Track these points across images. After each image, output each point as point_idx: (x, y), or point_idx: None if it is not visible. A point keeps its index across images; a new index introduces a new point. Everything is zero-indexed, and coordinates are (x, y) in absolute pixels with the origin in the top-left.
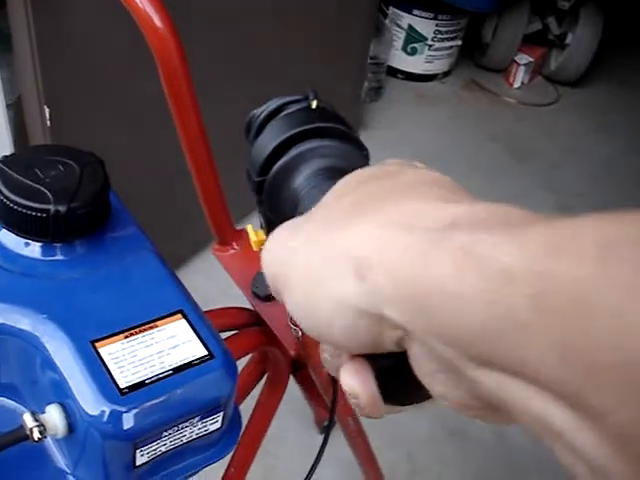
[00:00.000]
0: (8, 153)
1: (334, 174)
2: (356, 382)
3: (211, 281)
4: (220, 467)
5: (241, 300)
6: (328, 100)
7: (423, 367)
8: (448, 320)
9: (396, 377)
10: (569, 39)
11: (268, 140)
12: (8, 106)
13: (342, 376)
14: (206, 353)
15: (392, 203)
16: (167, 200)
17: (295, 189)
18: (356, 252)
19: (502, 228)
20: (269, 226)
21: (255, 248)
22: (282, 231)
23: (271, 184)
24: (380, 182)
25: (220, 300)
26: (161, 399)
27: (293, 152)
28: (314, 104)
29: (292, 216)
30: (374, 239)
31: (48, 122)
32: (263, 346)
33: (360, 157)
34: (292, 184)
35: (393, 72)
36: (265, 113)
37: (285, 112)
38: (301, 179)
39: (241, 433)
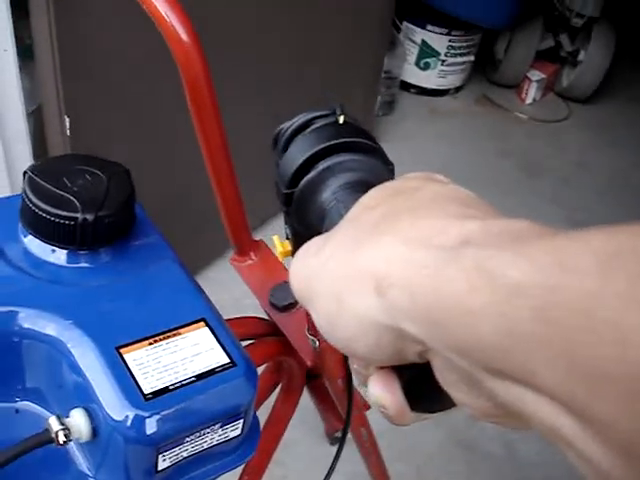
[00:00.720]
0: (28, 161)
1: (361, 188)
2: (384, 392)
3: (225, 291)
4: (233, 476)
5: (254, 310)
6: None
7: (446, 377)
8: (463, 335)
9: (422, 386)
10: (581, 56)
11: (297, 153)
12: (28, 115)
13: (370, 387)
14: (228, 361)
15: (411, 220)
16: (181, 211)
17: (323, 202)
18: (376, 269)
19: (512, 243)
20: (295, 237)
21: (281, 259)
22: (309, 247)
23: (299, 197)
24: (402, 198)
25: (234, 310)
26: (184, 405)
27: (321, 166)
28: (341, 119)
29: (319, 228)
30: (393, 256)
31: (68, 131)
32: (279, 356)
33: (386, 171)
34: (320, 197)
35: (406, 86)
36: (293, 127)
37: (313, 126)
38: (329, 192)
39: None
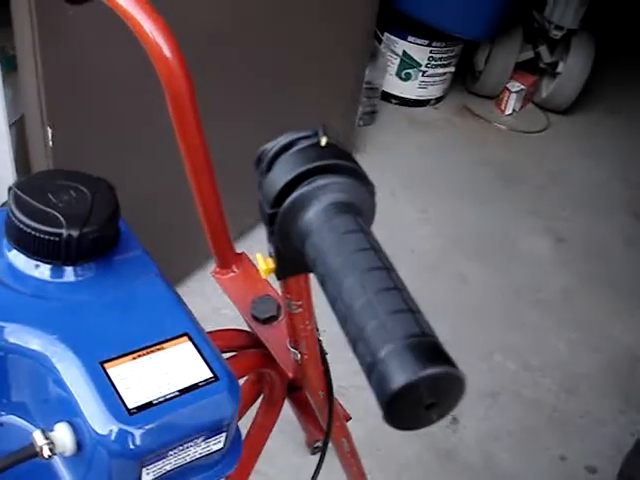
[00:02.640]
0: (9, 171)
1: (343, 209)
2: None
3: (205, 301)
4: None
5: (234, 320)
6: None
7: None
8: None
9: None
10: (560, 67)
11: (280, 174)
12: (10, 126)
13: None
14: (211, 375)
15: None
16: (163, 221)
17: (305, 222)
18: None
19: None
20: (278, 256)
21: (264, 276)
22: None
23: (282, 217)
24: None
25: (214, 319)
26: (167, 419)
27: (304, 188)
28: (323, 141)
29: (301, 248)
30: None
31: (50, 142)
32: (261, 368)
33: (367, 193)
34: (302, 218)
35: (387, 97)
36: (276, 148)
37: (296, 147)
38: (311, 213)
39: None
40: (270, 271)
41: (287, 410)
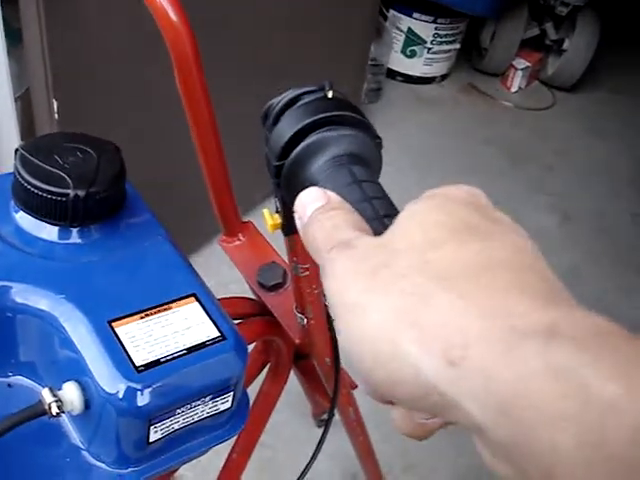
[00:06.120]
0: (15, 144)
1: (349, 160)
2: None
3: (213, 276)
4: (223, 452)
5: (242, 294)
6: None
7: (486, 457)
8: (535, 438)
9: None
10: (566, 45)
11: (287, 127)
12: (16, 99)
13: (396, 415)
14: (218, 334)
15: (487, 285)
16: (170, 196)
17: (312, 174)
18: (448, 334)
19: (610, 356)
20: (285, 210)
21: (271, 231)
22: (357, 265)
23: (289, 169)
24: (473, 242)
25: (221, 294)
26: (175, 377)
27: (310, 139)
28: (330, 94)
29: None
30: (469, 328)
31: (56, 115)
32: (267, 335)
33: (374, 145)
34: (309, 169)
35: (392, 74)
36: (283, 102)
37: (302, 101)
38: (318, 165)
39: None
40: (276, 226)
41: (294, 383)
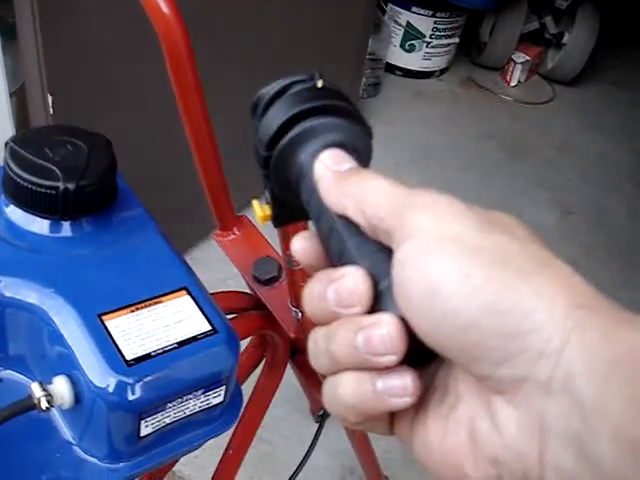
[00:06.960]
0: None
1: (339, 149)
2: None
3: (209, 272)
4: (218, 449)
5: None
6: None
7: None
8: None
9: None
10: (566, 38)
11: (275, 116)
12: (11, 94)
13: None
14: (210, 328)
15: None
16: (165, 192)
17: (301, 163)
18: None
19: None
20: (274, 200)
21: (261, 223)
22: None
23: (277, 159)
24: (522, 247)
25: (218, 290)
26: (166, 371)
27: (299, 128)
28: (319, 83)
29: (296, 190)
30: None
31: (51, 109)
32: (262, 329)
33: (363, 134)
34: (298, 158)
35: (391, 68)
36: (272, 92)
37: (291, 91)
38: (307, 154)
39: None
40: (266, 218)
41: (292, 379)
